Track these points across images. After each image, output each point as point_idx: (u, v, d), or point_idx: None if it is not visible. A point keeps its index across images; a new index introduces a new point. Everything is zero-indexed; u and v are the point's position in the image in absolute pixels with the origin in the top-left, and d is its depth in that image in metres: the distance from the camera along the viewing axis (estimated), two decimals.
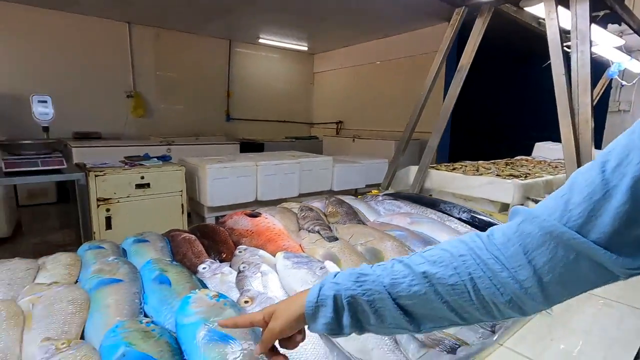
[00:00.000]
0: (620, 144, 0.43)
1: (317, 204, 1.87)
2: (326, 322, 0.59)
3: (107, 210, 2.90)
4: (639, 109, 4.04)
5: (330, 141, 7.80)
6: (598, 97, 4.16)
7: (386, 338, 0.91)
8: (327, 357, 0.84)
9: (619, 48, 3.05)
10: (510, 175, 2.24)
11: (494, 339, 1.02)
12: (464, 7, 2.20)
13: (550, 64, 1.83)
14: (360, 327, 0.59)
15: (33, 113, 2.75)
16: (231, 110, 7.82)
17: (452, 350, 0.94)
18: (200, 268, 1.17)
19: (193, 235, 1.40)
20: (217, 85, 7.58)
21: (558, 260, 0.45)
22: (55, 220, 4.87)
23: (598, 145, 3.96)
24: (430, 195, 2.51)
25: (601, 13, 2.22)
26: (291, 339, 0.64)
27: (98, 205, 2.86)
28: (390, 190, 2.73)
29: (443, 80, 4.64)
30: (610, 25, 2.95)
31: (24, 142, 2.72)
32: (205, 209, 3.36)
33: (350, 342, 0.90)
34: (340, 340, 0.91)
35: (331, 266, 1.15)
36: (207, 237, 1.41)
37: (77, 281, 1.09)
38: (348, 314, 0.58)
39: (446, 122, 2.49)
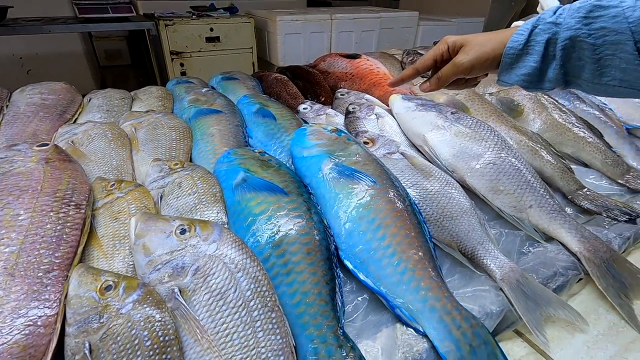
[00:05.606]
0: None
1: (422, 52, 1.52)
2: (526, 73, 0.45)
3: (182, 65, 2.82)
4: None
5: None
6: None
7: (546, 196, 0.71)
8: (473, 208, 0.68)
9: None
10: None
11: None
12: None
13: None
14: (565, 81, 0.45)
15: None
16: None
17: (631, 219, 0.73)
18: (301, 108, 1.01)
19: (284, 76, 1.20)
20: None
21: None
22: (133, 80, 5.04)
23: None
24: None
25: None
26: (463, 82, 0.56)
27: (172, 60, 2.78)
28: None
29: None
30: None
31: None
32: (276, 70, 3.14)
33: (501, 196, 0.72)
34: (487, 194, 0.73)
35: None
36: (301, 78, 1.21)
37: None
38: (558, 63, 0.43)
39: None
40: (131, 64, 5.83)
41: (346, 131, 0.77)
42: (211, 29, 2.84)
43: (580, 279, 0.62)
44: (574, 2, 0.43)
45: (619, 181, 0.88)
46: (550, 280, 0.59)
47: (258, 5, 4.91)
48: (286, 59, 3.15)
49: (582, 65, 0.42)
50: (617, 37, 0.38)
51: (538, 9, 0.90)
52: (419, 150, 0.86)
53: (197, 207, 0.58)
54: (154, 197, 0.61)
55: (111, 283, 0.43)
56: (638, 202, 0.81)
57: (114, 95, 1.02)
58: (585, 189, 0.82)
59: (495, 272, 0.58)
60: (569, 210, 0.79)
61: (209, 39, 2.88)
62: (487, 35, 0.49)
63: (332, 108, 1.06)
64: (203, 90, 0.99)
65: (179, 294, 0.44)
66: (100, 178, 0.65)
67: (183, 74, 2.86)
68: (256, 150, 0.71)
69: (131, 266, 0.51)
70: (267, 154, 0.72)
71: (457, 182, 0.75)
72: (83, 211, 0.54)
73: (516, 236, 0.68)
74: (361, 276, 0.54)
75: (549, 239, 0.69)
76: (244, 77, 1.19)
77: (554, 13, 0.43)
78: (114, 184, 0.62)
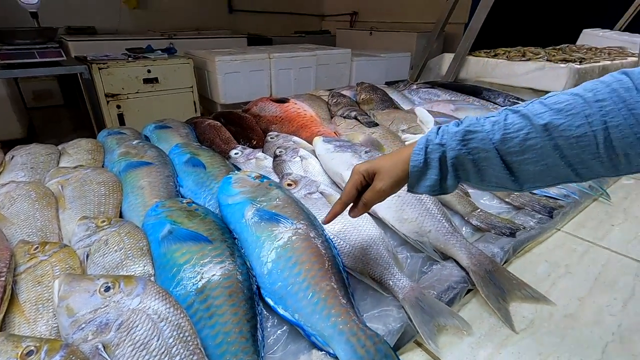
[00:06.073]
0: None
1: (346, 92, 1.69)
2: (430, 184, 0.55)
3: (118, 107, 2.77)
4: None
5: (344, 35, 7.08)
6: None
7: (442, 219, 0.84)
8: (382, 238, 0.78)
9: None
10: (564, 60, 1.96)
11: (553, 223, 0.95)
12: None
13: None
14: (458, 183, 0.56)
15: None
16: (233, 0, 6.96)
17: (511, 234, 0.88)
18: (232, 153, 1.08)
19: (217, 122, 1.27)
20: None
21: None
22: (67, 122, 4.78)
23: None
24: None
25: None
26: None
27: (108, 102, 2.72)
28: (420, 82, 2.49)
29: None
30: None
31: (15, 28, 2.46)
32: (219, 107, 3.20)
33: (405, 224, 0.84)
34: (395, 223, 0.85)
35: (425, 117, 1.05)
36: (234, 123, 1.29)
37: (102, 166, 1.02)
38: (452, 174, 0.53)
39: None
40: (64, 104, 5.51)
41: (268, 177, 0.85)
42: (149, 71, 2.85)
43: (470, 290, 0.74)
44: (450, 127, 0.54)
45: (506, 200, 1.05)
46: (444, 293, 0.70)
47: (199, 45, 4.99)
48: (227, 96, 3.23)
49: (468, 174, 0.53)
50: (488, 155, 0.50)
51: (418, 121, 1.08)
52: (339, 188, 0.97)
53: (124, 262, 0.62)
54: (80, 257, 0.64)
55: (32, 348, 0.46)
56: (520, 217, 0.97)
57: (40, 151, 1.02)
58: (479, 210, 0.97)
59: (398, 293, 0.68)
60: (465, 229, 0.93)
61: (147, 80, 2.88)
62: (391, 159, 0.58)
63: (263, 151, 1.15)
64: (134, 143, 1.02)
65: (102, 349, 0.47)
66: (23, 242, 0.66)
67: (120, 115, 2.81)
68: (184, 201, 0.77)
69: (55, 329, 0.53)
70: (195, 203, 0.78)
71: (370, 214, 0.86)
72: (3, 279, 0.55)
73: (419, 258, 0.79)
74: (280, 310, 0.61)
75: (446, 257, 0.81)
76: (177, 125, 1.24)
77: (437, 134, 0.54)
78: (37, 247, 0.63)
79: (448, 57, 2.38)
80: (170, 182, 0.88)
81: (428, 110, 1.46)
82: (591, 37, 3.54)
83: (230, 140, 1.18)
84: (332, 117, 1.42)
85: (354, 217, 0.63)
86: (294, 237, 0.67)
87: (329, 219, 0.64)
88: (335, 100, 1.45)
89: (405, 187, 0.59)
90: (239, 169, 1.01)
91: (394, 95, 1.75)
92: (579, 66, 1.83)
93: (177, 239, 0.64)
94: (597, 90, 0.44)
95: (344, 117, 1.31)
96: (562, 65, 1.85)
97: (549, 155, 0.46)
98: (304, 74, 3.52)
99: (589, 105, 0.43)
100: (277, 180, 0.95)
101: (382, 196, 0.59)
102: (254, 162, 1.05)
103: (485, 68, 2.17)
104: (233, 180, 0.79)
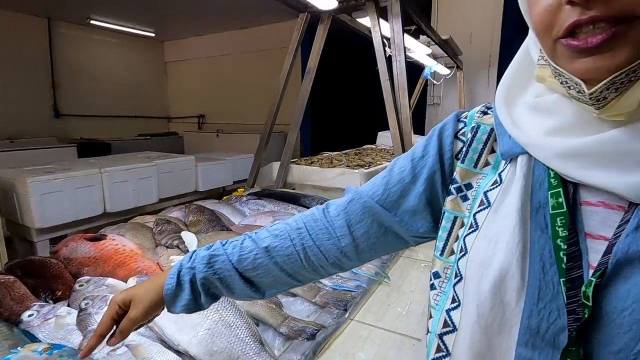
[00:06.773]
0: (422, 141, 0.57)
1: (176, 213, 1.76)
2: (185, 304, 0.61)
3: None
4: (447, 102, 5.17)
5: (192, 137, 7.32)
6: (419, 93, 5.13)
7: (250, 342, 0.95)
8: None
9: (430, 55, 3.81)
10: (358, 165, 2.57)
11: (346, 316, 1.18)
12: (306, 13, 2.36)
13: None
14: (215, 298, 0.65)
15: None
16: (60, 105, 6.38)
17: (312, 336, 1.05)
18: (24, 317, 0.97)
19: (11, 276, 1.13)
20: (36, 73, 6.09)
21: (372, 232, 0.58)
22: None
23: (422, 132, 4.89)
24: (294, 189, 2.67)
25: (412, 28, 2.72)
26: (145, 322, 0.65)
27: None
28: (256, 187, 2.78)
29: (300, 76, 4.88)
30: (421, 37, 3.63)
31: None
32: (34, 232, 2.73)
33: (216, 356, 0.91)
34: (205, 357, 0.90)
35: (189, 239, 1.15)
36: (34, 274, 1.17)
37: None
38: (203, 293, 0.62)
39: (301, 118, 2.66)
40: None
41: (62, 345, 0.81)
42: None
43: None
44: (201, 251, 0.64)
45: (313, 301, 1.25)
46: None
47: (11, 159, 4.29)
48: (45, 219, 2.84)
49: (219, 290, 0.64)
50: (230, 273, 0.62)
51: (186, 243, 1.28)
52: (152, 331, 0.98)
53: None
54: None
55: None
56: (322, 316, 1.17)
57: None
58: (289, 319, 1.12)
59: None
60: (278, 340, 1.06)
61: None
62: (146, 286, 0.64)
63: (69, 303, 1.07)
64: None
65: None
66: None
67: None
68: None
69: None
70: None
71: (182, 353, 0.90)
72: None
73: None
74: None
75: None
76: None
77: (190, 259, 0.64)
78: None
79: (276, 165, 2.77)
80: None
81: (251, 225, 1.66)
82: (384, 137, 4.71)
83: (25, 298, 1.06)
84: (156, 247, 1.44)
85: (110, 345, 0.63)
86: None
87: (84, 354, 0.62)
88: (159, 228, 1.49)
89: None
90: (32, 337, 0.92)
91: (225, 209, 1.91)
92: (366, 170, 2.43)
93: None
94: (299, 220, 0.62)
95: (167, 247, 1.36)
96: (356, 171, 2.42)
97: (273, 270, 0.61)
98: (144, 184, 3.42)
99: (293, 232, 0.61)
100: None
101: (136, 323, 0.62)
102: (53, 323, 0.96)
103: (305, 174, 2.61)
104: None
